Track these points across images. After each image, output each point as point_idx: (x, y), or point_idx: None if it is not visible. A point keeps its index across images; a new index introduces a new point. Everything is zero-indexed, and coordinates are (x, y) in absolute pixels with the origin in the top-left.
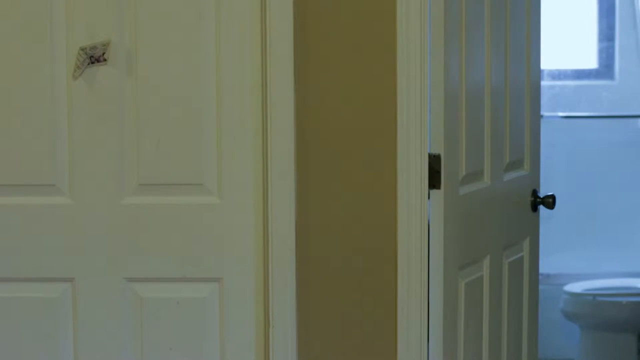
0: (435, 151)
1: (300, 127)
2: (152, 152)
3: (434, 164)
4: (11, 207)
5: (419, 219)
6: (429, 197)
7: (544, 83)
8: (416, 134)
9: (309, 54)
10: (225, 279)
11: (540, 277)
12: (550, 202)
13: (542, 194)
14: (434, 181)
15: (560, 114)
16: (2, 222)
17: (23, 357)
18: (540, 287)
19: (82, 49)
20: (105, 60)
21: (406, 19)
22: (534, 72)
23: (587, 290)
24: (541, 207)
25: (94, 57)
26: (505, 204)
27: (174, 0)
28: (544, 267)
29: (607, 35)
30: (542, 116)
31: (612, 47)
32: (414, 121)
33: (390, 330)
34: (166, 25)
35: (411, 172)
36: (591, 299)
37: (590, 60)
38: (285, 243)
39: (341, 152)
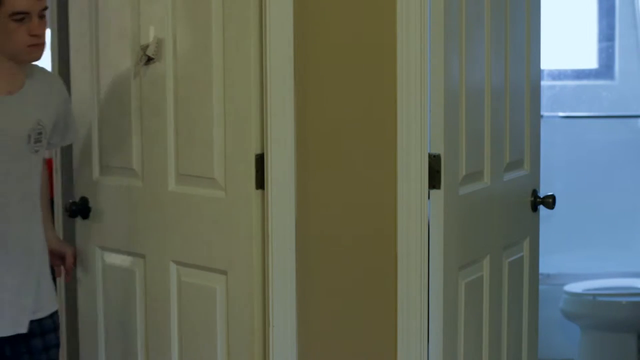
0: (435, 151)
1: (300, 127)
2: (186, 145)
3: (434, 164)
4: (114, 188)
5: (419, 219)
6: (429, 197)
7: (544, 83)
8: (416, 134)
9: (309, 54)
10: (230, 272)
11: (540, 277)
12: (550, 202)
13: (542, 194)
14: (434, 181)
15: (560, 114)
16: (111, 200)
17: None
18: (540, 287)
19: (141, 48)
20: (154, 58)
21: (406, 19)
22: (534, 72)
23: (587, 290)
24: (541, 207)
25: (149, 56)
26: (505, 204)
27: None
28: (544, 267)
29: (607, 35)
30: (542, 116)
31: (612, 47)
32: (414, 121)
33: (390, 330)
34: (196, 38)
35: (411, 172)
36: (591, 299)
37: (590, 60)
38: (285, 243)
39: (341, 151)
